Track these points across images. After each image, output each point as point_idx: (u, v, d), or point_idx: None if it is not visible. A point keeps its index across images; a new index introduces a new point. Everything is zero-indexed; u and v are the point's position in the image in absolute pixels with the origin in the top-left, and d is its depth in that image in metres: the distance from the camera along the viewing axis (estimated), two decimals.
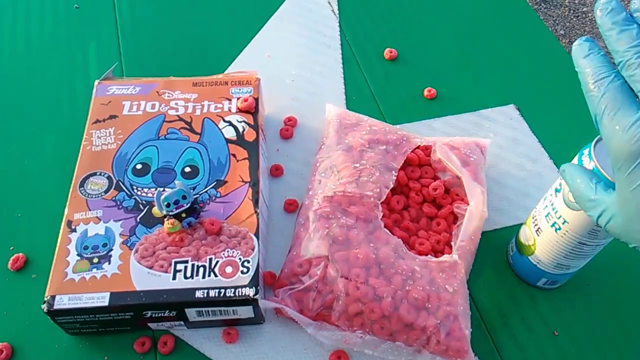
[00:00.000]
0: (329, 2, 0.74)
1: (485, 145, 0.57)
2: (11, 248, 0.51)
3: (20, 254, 0.51)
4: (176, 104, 0.55)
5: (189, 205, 0.47)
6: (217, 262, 0.45)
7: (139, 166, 0.51)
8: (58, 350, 0.47)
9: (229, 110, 0.55)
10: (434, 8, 0.74)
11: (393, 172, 0.53)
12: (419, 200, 0.54)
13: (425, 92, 0.65)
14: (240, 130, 0.54)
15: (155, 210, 0.48)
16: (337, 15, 0.73)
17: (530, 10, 0.75)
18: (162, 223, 0.47)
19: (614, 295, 0.52)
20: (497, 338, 0.49)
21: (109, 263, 0.45)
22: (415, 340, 0.45)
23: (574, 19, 1.81)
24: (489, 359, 0.48)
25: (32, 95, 0.63)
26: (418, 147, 0.56)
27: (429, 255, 0.49)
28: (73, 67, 0.66)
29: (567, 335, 0.49)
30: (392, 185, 0.52)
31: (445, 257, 0.49)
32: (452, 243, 0.50)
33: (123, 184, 0.49)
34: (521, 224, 0.52)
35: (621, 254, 0.49)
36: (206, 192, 0.50)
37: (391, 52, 0.69)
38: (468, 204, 0.51)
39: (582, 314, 0.51)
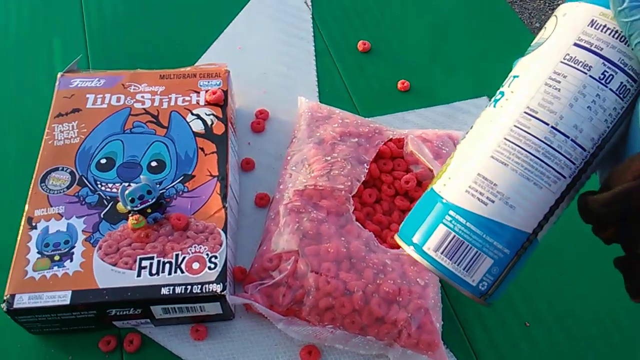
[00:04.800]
0: None
1: (458, 137, 0.57)
2: None
3: None
4: (142, 97, 0.54)
5: (154, 200, 0.46)
6: (184, 258, 0.44)
7: (103, 161, 0.49)
8: (21, 350, 0.45)
9: (197, 103, 0.54)
10: (407, 0, 0.74)
11: (365, 165, 0.52)
12: (391, 193, 0.53)
13: (399, 85, 0.65)
14: (209, 123, 0.53)
15: (120, 206, 0.46)
16: (310, 8, 0.72)
17: (504, 3, 0.75)
18: (127, 219, 0.46)
19: (586, 284, 0.52)
20: (469, 330, 0.49)
21: (71, 260, 0.43)
22: (386, 334, 0.45)
23: (550, 12, 1.82)
24: (461, 351, 0.48)
25: None
26: (390, 139, 0.55)
27: (401, 249, 0.49)
28: (37, 60, 0.64)
29: (539, 325, 0.49)
30: (363, 178, 0.51)
31: None
32: None
33: (86, 179, 0.48)
34: None
35: (594, 242, 0.50)
36: (173, 186, 0.49)
37: (364, 45, 0.68)
38: None
39: (553, 304, 0.51)
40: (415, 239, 0.31)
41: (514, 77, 0.32)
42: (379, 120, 0.60)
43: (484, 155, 0.30)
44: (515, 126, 0.30)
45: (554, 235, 0.30)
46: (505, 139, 0.30)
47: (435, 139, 0.55)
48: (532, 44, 0.32)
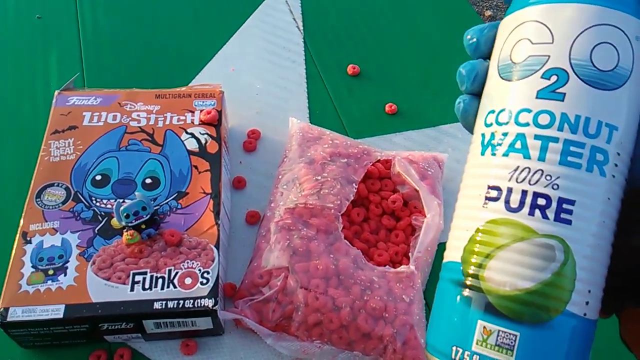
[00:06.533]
0: (294, 19, 0.76)
1: (443, 160, 0.59)
2: None
3: None
4: (138, 115, 0.55)
5: (148, 216, 0.47)
6: (177, 273, 0.45)
7: (98, 177, 0.50)
8: None
9: (192, 122, 0.55)
10: (396, 26, 0.77)
11: (354, 184, 0.54)
12: (378, 212, 0.55)
13: (387, 108, 0.67)
14: (203, 142, 0.54)
15: (115, 222, 0.47)
16: (302, 32, 0.74)
17: None
18: (121, 234, 0.47)
19: None
20: None
21: (65, 275, 0.44)
22: (372, 349, 0.46)
23: None
24: None
25: None
26: (378, 160, 0.57)
27: (387, 266, 0.50)
28: (34, 78, 0.65)
29: None
30: (352, 198, 0.53)
31: (402, 268, 0.50)
32: (410, 254, 0.52)
33: (81, 195, 0.49)
34: None
35: None
36: (167, 203, 0.50)
37: (354, 68, 0.70)
38: (425, 216, 0.53)
39: None
40: None
41: (613, 128, 0.23)
42: (367, 142, 0.62)
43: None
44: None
45: None
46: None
47: (421, 160, 0.57)
48: (596, 70, 0.23)
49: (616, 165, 0.23)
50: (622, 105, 0.23)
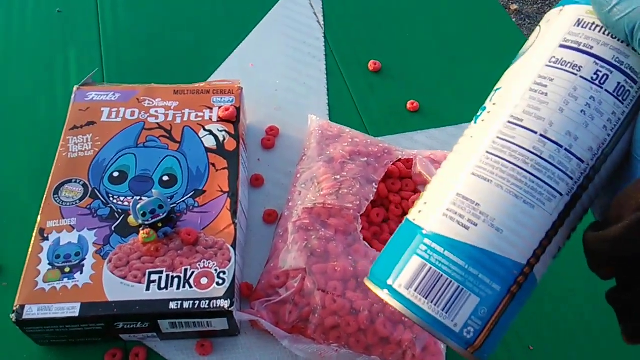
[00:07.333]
0: (314, 13, 0.74)
1: None
2: None
3: None
4: (156, 111, 0.54)
5: (165, 214, 0.46)
6: (193, 273, 0.45)
7: (116, 174, 0.50)
8: None
9: (210, 119, 0.54)
10: (419, 21, 0.75)
11: (374, 184, 0.53)
12: (398, 213, 0.54)
13: (409, 105, 0.66)
14: (221, 139, 0.53)
15: (131, 220, 0.47)
16: (323, 27, 0.73)
17: (513, 26, 0.76)
18: (138, 232, 0.46)
19: (591, 310, 0.52)
20: None
21: (81, 273, 0.44)
22: (390, 354, 0.45)
23: None
24: None
25: (10, 100, 0.62)
26: (399, 159, 0.56)
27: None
28: (53, 72, 0.65)
29: (542, 350, 0.49)
30: (372, 198, 0.52)
31: None
32: None
33: (99, 191, 0.49)
34: None
35: None
36: (184, 201, 0.49)
37: (375, 64, 0.69)
38: None
39: (558, 328, 0.51)
40: (387, 278, 0.26)
41: (497, 89, 0.28)
42: (388, 140, 0.61)
43: (463, 173, 0.26)
44: (498, 137, 0.26)
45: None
46: (487, 152, 0.26)
47: (443, 160, 0.56)
48: (515, 58, 0.29)
49: (489, 112, 0.28)
50: (510, 73, 0.30)
